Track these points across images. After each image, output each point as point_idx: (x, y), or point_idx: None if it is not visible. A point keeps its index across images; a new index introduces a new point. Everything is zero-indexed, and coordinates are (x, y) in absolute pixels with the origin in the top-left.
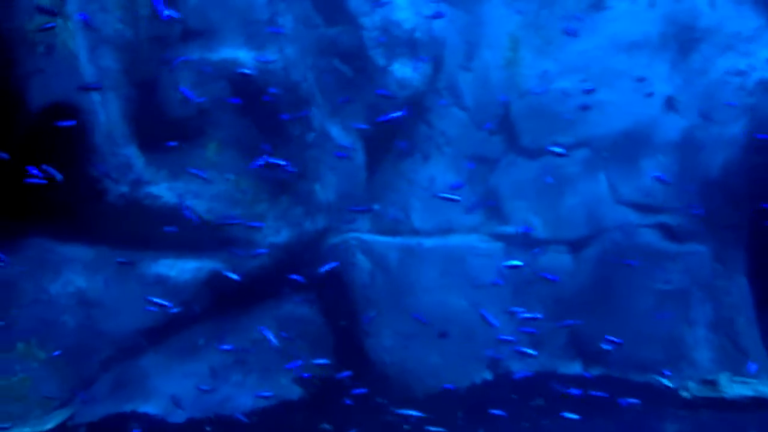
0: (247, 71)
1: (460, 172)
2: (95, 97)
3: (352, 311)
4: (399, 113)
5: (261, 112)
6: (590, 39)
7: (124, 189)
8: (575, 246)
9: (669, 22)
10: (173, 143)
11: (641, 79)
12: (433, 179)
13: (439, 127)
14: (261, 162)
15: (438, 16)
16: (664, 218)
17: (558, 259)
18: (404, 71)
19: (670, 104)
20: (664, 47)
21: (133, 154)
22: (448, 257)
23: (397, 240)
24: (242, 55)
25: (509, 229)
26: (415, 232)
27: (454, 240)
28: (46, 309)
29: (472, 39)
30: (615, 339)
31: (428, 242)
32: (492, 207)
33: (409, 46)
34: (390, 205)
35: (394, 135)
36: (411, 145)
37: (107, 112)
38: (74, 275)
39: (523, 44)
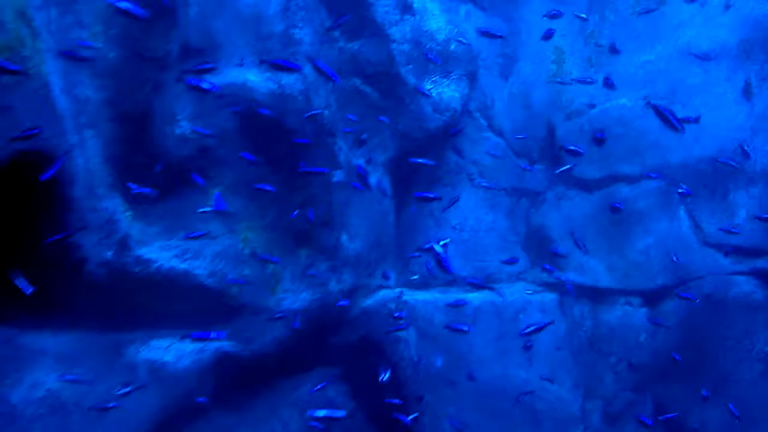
0: (259, 98)
1: (497, 208)
2: (71, 137)
3: (397, 397)
4: None
5: (276, 148)
6: (652, 48)
7: (107, 254)
8: (651, 298)
9: (752, 28)
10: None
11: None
12: (465, 217)
13: (471, 155)
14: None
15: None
16: (764, 263)
17: (631, 315)
18: (441, 92)
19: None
20: (748, 57)
21: (117, 207)
22: (500, 316)
23: (441, 298)
24: (253, 78)
25: (564, 276)
26: (450, 283)
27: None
28: (5, 424)
29: (509, 50)
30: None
31: (474, 298)
32: (539, 249)
33: (443, 61)
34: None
35: (419, 166)
36: (438, 178)
37: (86, 156)
38: (44, 374)
39: (569, 55)
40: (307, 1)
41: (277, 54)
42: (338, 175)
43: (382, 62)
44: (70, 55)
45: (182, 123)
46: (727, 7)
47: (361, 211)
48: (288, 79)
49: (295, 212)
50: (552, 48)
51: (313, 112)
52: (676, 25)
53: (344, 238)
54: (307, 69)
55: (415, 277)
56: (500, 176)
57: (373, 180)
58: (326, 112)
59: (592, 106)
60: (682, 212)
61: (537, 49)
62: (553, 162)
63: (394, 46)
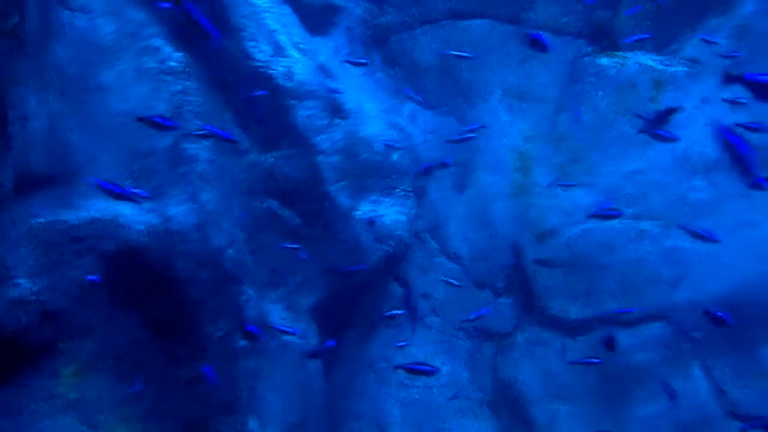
0: (135, 237)
1: (455, 355)
2: None
3: None
4: None
5: (159, 304)
6: (642, 155)
7: None
8: None
9: None
10: None
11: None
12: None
13: (420, 287)
14: None
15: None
16: None
17: None
18: (383, 214)
19: None
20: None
21: None
22: None
23: None
24: (127, 211)
25: None
26: None
27: None
28: None
29: (465, 157)
30: None
31: None
32: (510, 411)
33: (383, 173)
34: (357, 420)
35: (355, 305)
36: (379, 319)
37: None
38: None
39: (537, 163)
40: (207, 104)
41: (162, 177)
42: (242, 340)
43: (305, 179)
44: None
45: (20, 281)
46: (736, 104)
47: (278, 381)
48: (177, 210)
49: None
50: (516, 154)
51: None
52: (672, 126)
53: (253, 425)
54: (203, 195)
55: None
56: (458, 313)
57: (294, 335)
58: (230, 251)
59: (569, 225)
60: (697, 370)
61: (498, 155)
62: (523, 295)
63: (320, 158)
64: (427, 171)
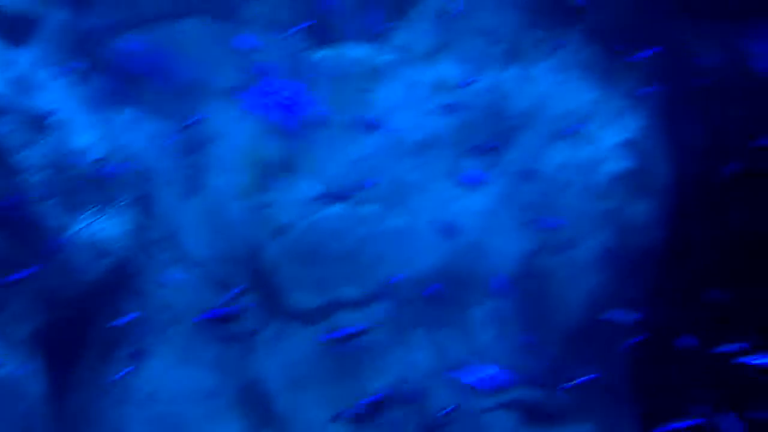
0: None
1: (201, 362)
2: None
3: None
4: None
5: None
6: (362, 144)
7: None
8: None
9: (471, 109)
10: None
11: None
12: (160, 382)
13: (157, 299)
14: None
15: None
16: (521, 394)
17: None
18: (101, 228)
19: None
20: (466, 144)
21: None
22: None
23: None
24: None
25: None
26: None
27: None
28: None
29: (194, 162)
30: None
31: None
32: (258, 409)
33: (99, 186)
34: None
35: (87, 327)
36: (116, 338)
37: None
38: None
39: (268, 161)
40: None
41: None
42: None
43: (8, 201)
44: None
45: None
46: (438, 89)
47: None
48: None
49: None
50: (246, 154)
51: None
52: (389, 109)
53: None
54: None
55: None
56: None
57: (9, 366)
58: None
59: (300, 219)
60: (420, 338)
61: (228, 156)
62: (265, 291)
63: (24, 177)
64: (148, 179)
